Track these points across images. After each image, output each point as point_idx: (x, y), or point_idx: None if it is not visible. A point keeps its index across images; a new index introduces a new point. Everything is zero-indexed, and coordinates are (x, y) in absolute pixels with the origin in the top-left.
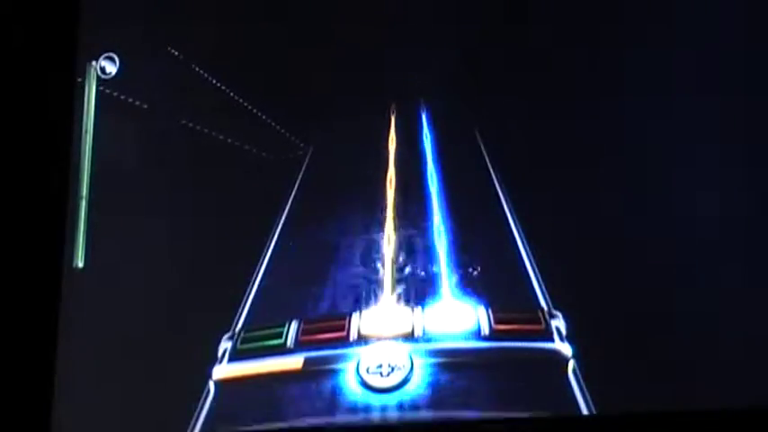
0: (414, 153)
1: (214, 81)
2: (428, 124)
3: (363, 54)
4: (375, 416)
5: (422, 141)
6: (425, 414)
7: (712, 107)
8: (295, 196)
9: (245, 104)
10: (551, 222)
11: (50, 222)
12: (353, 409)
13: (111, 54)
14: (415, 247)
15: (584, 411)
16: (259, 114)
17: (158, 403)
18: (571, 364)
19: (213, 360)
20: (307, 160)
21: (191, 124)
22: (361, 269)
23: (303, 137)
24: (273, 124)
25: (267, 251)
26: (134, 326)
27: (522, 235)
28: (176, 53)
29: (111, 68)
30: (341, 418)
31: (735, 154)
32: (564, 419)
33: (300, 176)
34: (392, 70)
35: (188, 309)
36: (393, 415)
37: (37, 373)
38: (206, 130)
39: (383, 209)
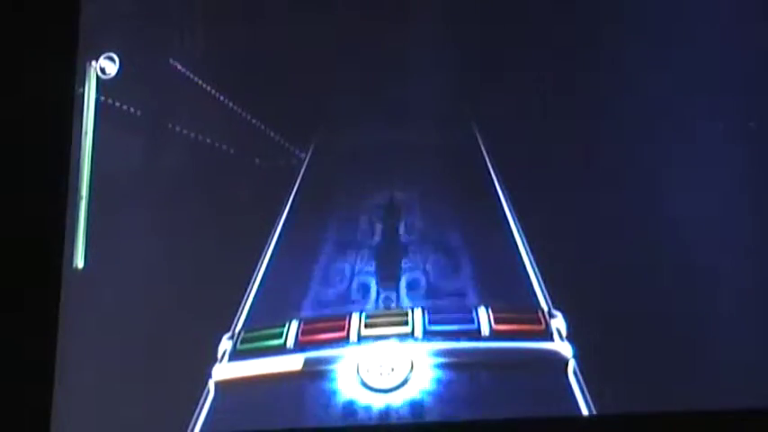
0: (414, 153)
1: (213, 84)
2: (429, 124)
3: (361, 55)
4: (375, 416)
5: (422, 141)
6: (425, 414)
7: (713, 107)
8: (295, 196)
9: (245, 106)
10: (551, 222)
11: (50, 222)
12: (353, 409)
13: (111, 54)
14: (414, 247)
15: (584, 411)
16: (259, 115)
17: (158, 403)
18: (571, 363)
19: (213, 360)
20: (306, 161)
21: (190, 125)
22: (361, 269)
23: (303, 137)
24: (273, 125)
25: (267, 251)
26: (134, 326)
27: (522, 235)
28: (176, 54)
29: (112, 69)
30: (341, 419)
31: (736, 154)
32: (564, 419)
33: (300, 177)
34: (392, 70)
35: (188, 309)
36: (393, 415)
37: (37, 373)
38: (206, 131)
39: (383, 209)
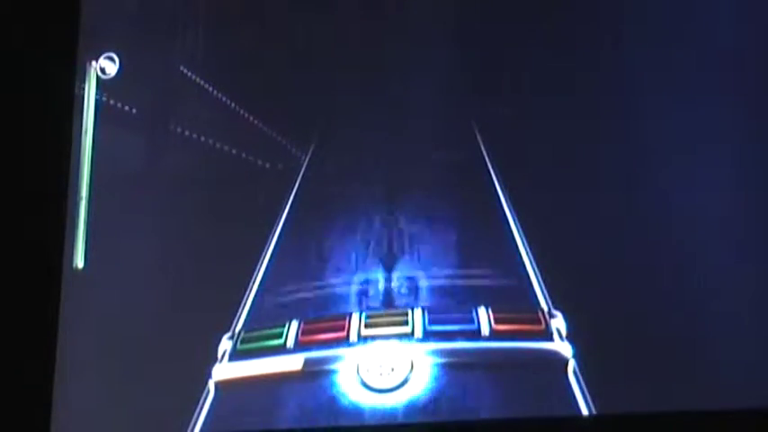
0: (414, 153)
1: (214, 83)
2: (428, 123)
3: (361, 55)
4: (375, 416)
5: (422, 141)
6: (425, 414)
7: (713, 107)
8: (295, 196)
9: (246, 106)
10: (551, 222)
11: (50, 222)
12: (353, 409)
13: (111, 54)
14: (415, 247)
15: (584, 411)
16: (259, 115)
17: (158, 403)
18: (571, 364)
19: (213, 360)
20: (306, 161)
21: (190, 125)
22: (361, 269)
23: (303, 137)
24: (273, 126)
25: (267, 251)
26: (134, 326)
27: (523, 235)
28: (176, 54)
29: (112, 69)
30: (341, 419)
31: (735, 154)
32: (564, 419)
33: (300, 177)
34: (392, 70)
35: (188, 309)
36: (393, 415)
37: (37, 373)
38: (207, 131)
39: (383, 209)
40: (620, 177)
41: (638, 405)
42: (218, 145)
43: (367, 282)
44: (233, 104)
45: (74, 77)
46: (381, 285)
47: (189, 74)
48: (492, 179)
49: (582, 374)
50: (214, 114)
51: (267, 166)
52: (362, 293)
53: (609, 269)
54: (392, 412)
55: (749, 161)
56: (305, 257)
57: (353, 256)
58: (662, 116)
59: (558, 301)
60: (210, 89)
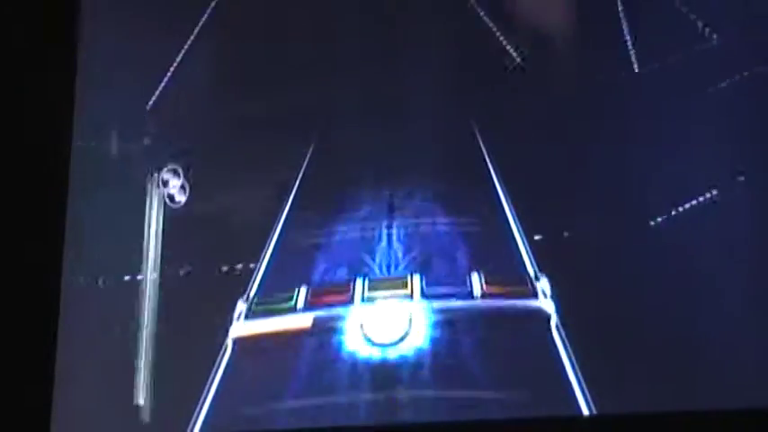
0: (413, 149)
1: (217, 81)
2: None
3: (362, 53)
4: (376, 367)
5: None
6: (422, 365)
7: (712, 107)
8: (295, 196)
9: (245, 107)
10: (551, 222)
11: (51, 223)
12: (358, 361)
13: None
14: (414, 219)
15: (566, 362)
16: (260, 115)
17: (158, 404)
18: (554, 319)
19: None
20: (306, 161)
21: (189, 124)
22: (363, 240)
23: (303, 138)
24: (273, 125)
25: (278, 225)
26: (134, 325)
27: (523, 235)
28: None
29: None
30: (346, 371)
31: (734, 153)
32: (564, 419)
33: (300, 176)
34: (392, 70)
35: (188, 308)
36: (393, 366)
37: (37, 373)
38: (207, 129)
39: (383, 208)
40: (620, 177)
41: (637, 405)
42: (217, 143)
43: (369, 251)
44: (236, 101)
45: (74, 77)
46: (383, 254)
47: (188, 74)
48: (492, 179)
49: (582, 375)
50: (214, 113)
51: (267, 162)
52: (365, 262)
53: (608, 269)
54: (392, 364)
55: (749, 161)
56: (305, 256)
57: (357, 228)
58: (661, 116)
59: (557, 302)
60: (210, 89)
